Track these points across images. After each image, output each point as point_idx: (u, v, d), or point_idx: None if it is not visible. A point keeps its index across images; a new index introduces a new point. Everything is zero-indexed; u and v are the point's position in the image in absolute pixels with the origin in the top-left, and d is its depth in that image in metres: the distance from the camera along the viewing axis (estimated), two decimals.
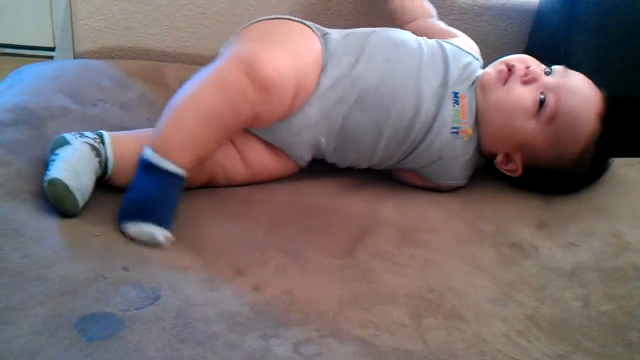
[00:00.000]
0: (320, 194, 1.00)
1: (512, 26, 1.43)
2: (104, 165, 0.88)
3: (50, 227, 0.78)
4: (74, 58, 1.37)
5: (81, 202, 0.83)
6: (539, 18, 1.40)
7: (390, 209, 0.98)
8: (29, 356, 0.59)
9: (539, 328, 0.75)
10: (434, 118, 1.00)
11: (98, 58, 1.33)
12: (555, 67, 1.03)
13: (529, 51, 1.33)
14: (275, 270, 0.81)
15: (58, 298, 0.67)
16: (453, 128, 1.01)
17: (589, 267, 0.87)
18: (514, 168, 1.04)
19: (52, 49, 1.77)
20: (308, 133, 1.00)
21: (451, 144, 1.01)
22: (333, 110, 1.00)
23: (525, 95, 1.00)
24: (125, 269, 0.75)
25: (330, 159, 1.06)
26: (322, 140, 1.01)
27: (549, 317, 0.77)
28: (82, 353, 0.60)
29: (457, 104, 1.02)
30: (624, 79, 1.22)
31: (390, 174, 1.10)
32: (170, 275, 0.75)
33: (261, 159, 1.01)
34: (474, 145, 1.04)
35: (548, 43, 1.34)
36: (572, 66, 1.11)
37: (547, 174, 1.03)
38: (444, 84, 1.02)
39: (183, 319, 0.67)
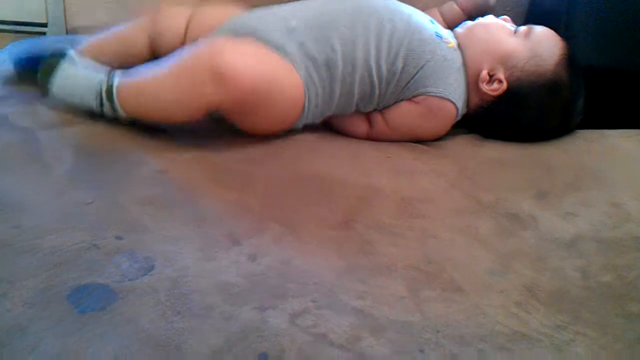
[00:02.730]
0: (317, 166, 0.99)
1: None
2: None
3: (40, 196, 0.77)
4: (67, 34, 1.35)
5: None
6: None
7: (388, 180, 0.97)
8: (20, 329, 0.58)
9: (538, 299, 0.74)
10: (410, 21, 1.08)
11: (91, 33, 1.30)
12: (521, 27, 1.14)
13: (529, 21, 1.31)
14: (272, 240, 0.79)
15: (50, 269, 0.66)
16: (436, 33, 1.10)
17: (589, 238, 0.86)
18: (498, 86, 1.09)
19: (45, 25, 1.74)
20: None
21: (437, 42, 1.08)
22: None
23: (504, 22, 1.16)
24: (118, 237, 0.74)
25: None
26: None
27: (548, 288, 0.76)
28: (74, 325, 0.59)
29: (434, 23, 1.13)
30: (624, 50, 1.21)
31: (384, 114, 1.11)
32: (164, 244, 0.74)
33: None
34: (460, 59, 1.10)
35: (548, 14, 1.32)
36: (572, 36, 1.13)
37: (526, 103, 1.08)
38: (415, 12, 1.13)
39: (178, 290, 0.66)
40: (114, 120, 1.01)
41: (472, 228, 0.87)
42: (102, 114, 1.01)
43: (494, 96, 1.09)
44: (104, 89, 0.99)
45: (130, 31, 1.17)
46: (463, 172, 1.01)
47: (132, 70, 1.02)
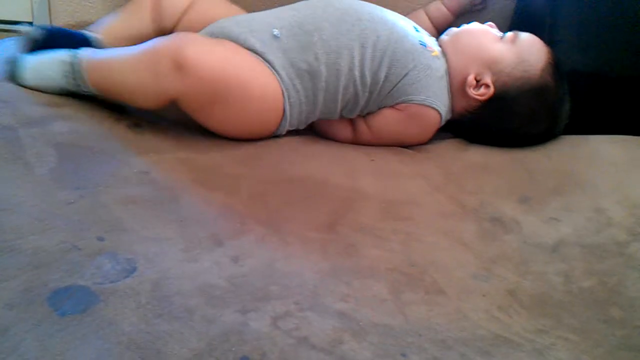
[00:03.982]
0: (301, 168, 0.99)
1: (497, 2, 1.40)
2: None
3: (21, 196, 0.76)
4: None
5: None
6: None
7: (373, 182, 0.97)
8: (0, 331, 0.57)
9: (520, 303, 0.74)
10: (393, 30, 1.08)
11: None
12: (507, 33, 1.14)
13: (514, 27, 1.31)
14: (255, 242, 0.79)
15: (30, 271, 0.65)
16: (420, 41, 1.09)
17: (571, 243, 0.86)
18: (485, 91, 1.09)
19: (31, 24, 1.73)
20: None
21: (420, 51, 1.08)
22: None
23: (489, 28, 1.15)
24: (100, 239, 0.73)
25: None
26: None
27: (530, 292, 0.77)
28: (54, 328, 0.58)
29: (418, 31, 1.13)
30: (608, 57, 1.22)
31: (367, 120, 1.11)
32: (146, 245, 0.74)
33: None
34: (444, 67, 1.11)
35: (533, 18, 1.32)
36: (556, 42, 1.14)
37: (513, 108, 1.09)
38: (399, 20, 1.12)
39: (159, 293, 0.65)
40: (97, 119, 1.00)
41: (455, 232, 0.87)
42: (75, 89, 1.03)
43: (480, 101, 1.09)
44: (71, 62, 1.02)
45: (136, 14, 1.18)
46: (447, 176, 1.01)
47: (105, 49, 1.05)
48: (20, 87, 1.03)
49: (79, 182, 0.83)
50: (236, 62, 1.01)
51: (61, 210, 0.77)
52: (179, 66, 0.93)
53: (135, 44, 1.03)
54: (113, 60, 1.02)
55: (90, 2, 1.32)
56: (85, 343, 0.58)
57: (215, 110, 1.00)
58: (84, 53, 1.03)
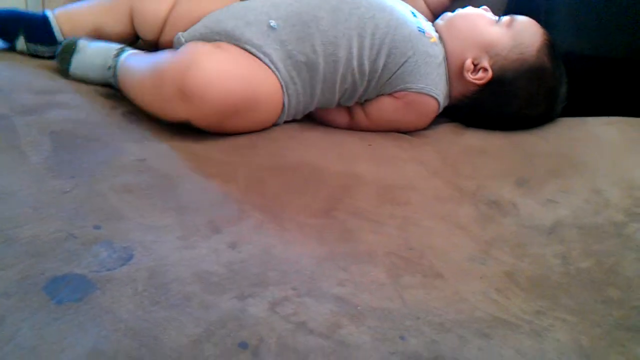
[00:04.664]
0: (298, 154, 0.99)
1: None
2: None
3: (16, 184, 0.76)
4: None
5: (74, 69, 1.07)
6: None
7: (369, 167, 0.96)
8: None
9: (518, 285, 0.74)
10: (391, 17, 1.07)
11: None
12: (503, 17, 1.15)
13: (510, 10, 1.31)
14: (253, 228, 0.79)
15: (26, 260, 0.65)
16: (418, 27, 1.09)
17: (569, 224, 0.86)
18: (483, 75, 1.09)
19: None
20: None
21: (419, 38, 1.07)
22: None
23: (484, 12, 1.16)
24: (96, 227, 0.73)
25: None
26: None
27: (528, 274, 0.77)
28: (51, 316, 0.58)
29: (416, 16, 1.13)
30: (604, 39, 1.21)
31: (365, 108, 1.11)
32: (143, 233, 0.74)
33: None
34: (442, 53, 1.10)
35: (529, 2, 1.32)
36: (552, 25, 1.14)
37: (511, 91, 1.09)
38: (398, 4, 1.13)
39: (156, 280, 0.65)
40: (93, 107, 1.00)
41: (453, 215, 0.87)
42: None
43: (479, 85, 1.09)
44: (112, 64, 1.06)
45: (108, 14, 1.16)
46: (445, 160, 1.01)
47: (142, 54, 1.07)
48: (14, 74, 1.02)
49: (74, 171, 0.83)
50: (242, 77, 0.98)
51: (57, 198, 0.76)
52: (184, 96, 0.92)
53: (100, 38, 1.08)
54: (130, 72, 1.04)
55: None
56: (82, 331, 0.58)
57: (227, 124, 1.00)
58: (125, 54, 1.07)
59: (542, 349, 0.64)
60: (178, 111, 0.94)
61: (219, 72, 0.95)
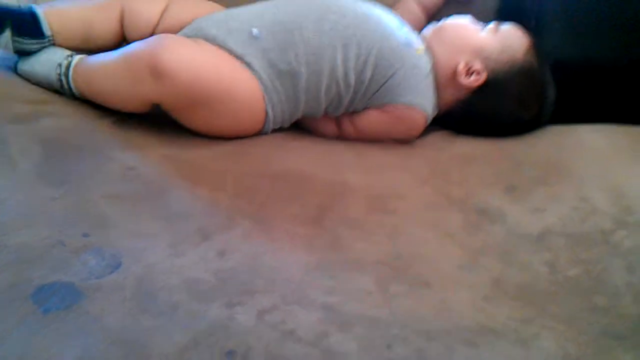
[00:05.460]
0: (287, 162, 0.99)
1: None
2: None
3: (5, 191, 0.76)
4: None
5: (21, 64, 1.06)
6: None
7: (359, 176, 0.97)
8: None
9: (505, 293, 0.75)
10: (378, 27, 1.07)
11: None
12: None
13: (500, 18, 1.31)
14: (242, 236, 0.79)
15: (15, 267, 0.65)
16: (405, 39, 1.08)
17: (556, 232, 0.87)
18: (477, 77, 1.09)
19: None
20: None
21: (406, 50, 1.07)
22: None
23: (470, 20, 1.16)
24: (85, 235, 0.73)
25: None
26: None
27: (516, 282, 0.77)
28: (38, 324, 0.58)
29: (403, 27, 1.11)
30: (593, 46, 1.22)
31: (352, 119, 1.10)
32: (132, 241, 0.74)
33: None
34: (429, 64, 1.10)
35: (518, 10, 1.32)
36: (543, 32, 1.15)
37: (504, 92, 1.10)
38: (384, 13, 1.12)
39: (144, 288, 0.66)
40: (83, 116, 1.00)
41: (441, 223, 0.87)
42: (62, 90, 1.05)
43: (472, 89, 1.09)
44: (63, 64, 1.04)
45: (98, 12, 1.15)
46: (433, 168, 1.01)
47: (95, 55, 1.05)
48: (5, 85, 1.02)
49: (64, 178, 0.83)
50: (215, 66, 1.00)
51: (46, 206, 0.77)
52: (156, 73, 0.93)
53: (86, 39, 1.08)
54: (95, 66, 1.03)
55: None
56: (70, 339, 0.58)
57: (198, 113, 1.00)
58: (79, 56, 1.05)
59: (529, 357, 0.64)
60: (148, 91, 0.96)
61: (190, 55, 0.97)
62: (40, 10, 1.08)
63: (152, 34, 1.11)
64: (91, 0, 1.15)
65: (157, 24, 1.14)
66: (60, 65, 1.04)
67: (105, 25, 1.14)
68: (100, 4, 1.14)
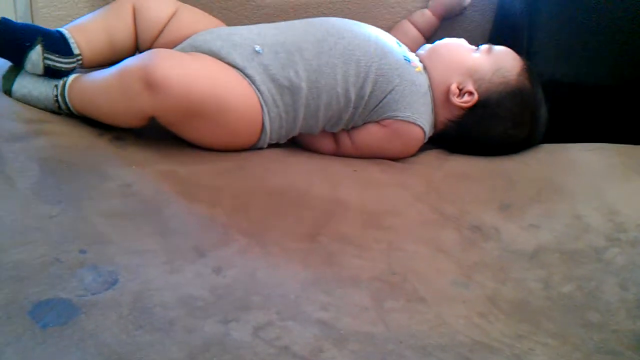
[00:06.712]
0: (283, 179, 0.99)
1: (475, 14, 1.42)
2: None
3: (3, 209, 0.76)
4: None
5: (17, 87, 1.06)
6: (502, 6, 1.40)
7: (354, 193, 0.97)
8: None
9: (500, 309, 0.75)
10: (377, 45, 1.09)
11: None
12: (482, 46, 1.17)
13: (492, 39, 1.33)
14: (238, 252, 0.80)
15: (12, 284, 0.65)
16: (404, 57, 1.11)
17: (550, 249, 0.87)
18: (469, 98, 1.11)
19: None
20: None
21: (405, 67, 1.09)
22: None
23: (463, 41, 1.19)
24: (82, 251, 0.73)
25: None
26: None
27: (510, 298, 0.78)
28: (35, 340, 0.59)
29: (401, 46, 1.14)
30: (585, 67, 1.24)
31: (350, 134, 1.12)
32: (129, 257, 0.74)
33: None
34: (427, 82, 1.12)
35: (511, 30, 1.34)
36: (535, 52, 1.16)
37: (497, 113, 1.11)
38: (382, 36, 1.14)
39: (141, 304, 0.66)
40: (80, 134, 1.00)
41: (436, 240, 0.88)
42: (59, 111, 1.05)
43: (464, 109, 1.10)
44: (59, 84, 1.04)
45: (116, 18, 1.15)
46: (428, 185, 1.02)
47: (89, 73, 1.06)
48: (3, 104, 1.03)
49: (61, 196, 0.84)
50: (209, 76, 1.00)
51: (43, 223, 0.77)
52: (149, 85, 0.94)
53: (112, 48, 1.07)
54: (89, 83, 1.03)
55: (73, 18, 1.31)
56: (66, 355, 0.58)
57: (193, 124, 1.01)
58: (74, 75, 1.06)
59: None
60: (143, 104, 0.96)
61: (183, 66, 0.98)
62: (65, 29, 1.09)
63: (159, 33, 1.14)
64: (102, 8, 1.15)
65: (165, 25, 1.15)
66: (56, 86, 1.04)
67: (124, 29, 1.14)
68: (113, 8, 1.15)
